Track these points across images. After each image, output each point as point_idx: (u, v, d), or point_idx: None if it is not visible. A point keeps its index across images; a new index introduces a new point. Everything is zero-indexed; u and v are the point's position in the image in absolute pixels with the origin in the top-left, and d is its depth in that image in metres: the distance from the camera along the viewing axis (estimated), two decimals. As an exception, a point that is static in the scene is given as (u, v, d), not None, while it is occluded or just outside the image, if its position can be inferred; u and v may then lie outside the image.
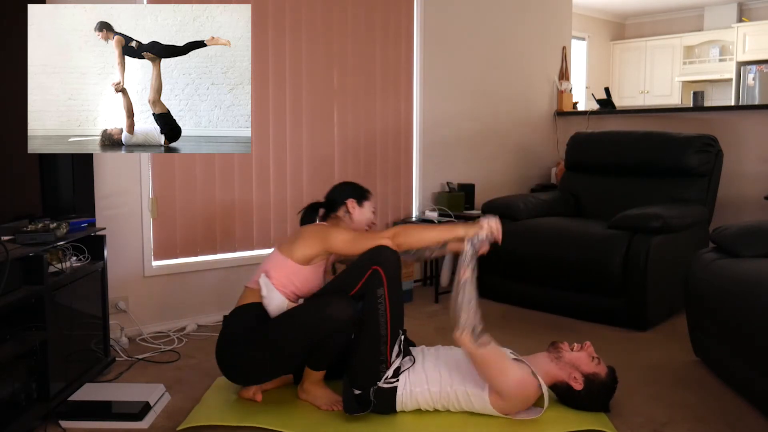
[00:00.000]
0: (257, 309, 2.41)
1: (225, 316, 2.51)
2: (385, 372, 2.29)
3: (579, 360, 2.34)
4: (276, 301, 2.40)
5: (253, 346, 2.32)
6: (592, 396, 2.33)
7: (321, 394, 2.46)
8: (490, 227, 2.36)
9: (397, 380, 2.30)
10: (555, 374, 2.33)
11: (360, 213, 2.68)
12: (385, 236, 2.40)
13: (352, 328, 2.33)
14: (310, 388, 2.47)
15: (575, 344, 2.39)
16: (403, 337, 2.37)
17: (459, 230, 2.41)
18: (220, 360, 2.41)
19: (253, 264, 3.78)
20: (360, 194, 2.71)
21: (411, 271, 4.24)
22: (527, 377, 2.25)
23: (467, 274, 2.26)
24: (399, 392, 2.30)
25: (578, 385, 2.31)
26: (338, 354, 2.43)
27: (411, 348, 2.45)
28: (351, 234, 2.45)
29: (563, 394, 2.37)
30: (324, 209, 2.71)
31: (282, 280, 2.43)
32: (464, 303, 2.22)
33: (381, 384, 2.29)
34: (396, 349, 2.32)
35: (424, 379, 2.31)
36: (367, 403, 2.29)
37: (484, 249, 2.38)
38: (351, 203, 2.66)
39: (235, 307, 2.47)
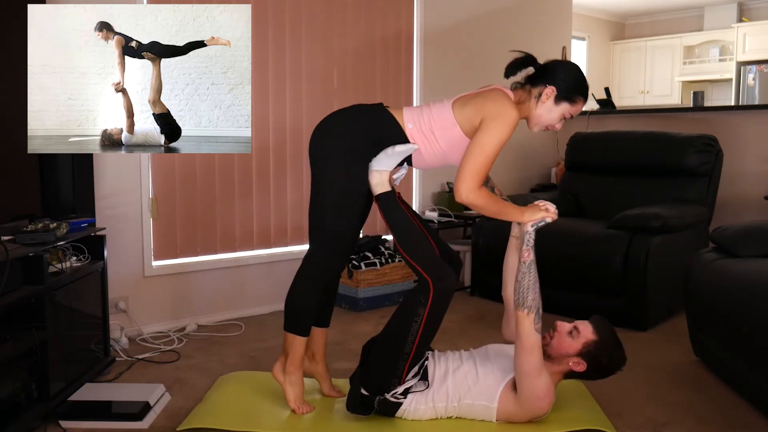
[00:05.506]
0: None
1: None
2: (396, 387, 2.25)
3: (561, 347, 2.25)
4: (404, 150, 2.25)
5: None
6: (601, 362, 2.24)
7: (296, 387, 2.38)
8: (552, 214, 2.28)
9: (405, 398, 2.26)
10: (559, 370, 2.31)
11: (546, 109, 2.24)
12: (473, 187, 2.16)
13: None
14: (292, 372, 2.38)
15: (546, 334, 2.31)
16: (427, 361, 2.32)
17: (522, 217, 2.28)
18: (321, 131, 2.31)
19: (253, 264, 3.80)
20: (569, 92, 2.22)
21: (410, 271, 4.23)
22: (552, 389, 2.21)
23: (531, 256, 2.22)
24: (402, 408, 2.27)
25: (581, 367, 2.24)
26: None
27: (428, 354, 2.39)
28: (490, 146, 2.15)
29: (580, 378, 2.32)
30: (533, 73, 2.27)
31: (432, 127, 2.25)
32: (532, 284, 2.19)
33: (388, 396, 2.26)
34: (415, 369, 2.28)
35: (431, 398, 2.28)
36: (369, 408, 2.28)
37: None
38: (550, 92, 2.22)
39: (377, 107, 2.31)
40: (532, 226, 2.26)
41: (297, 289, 2.36)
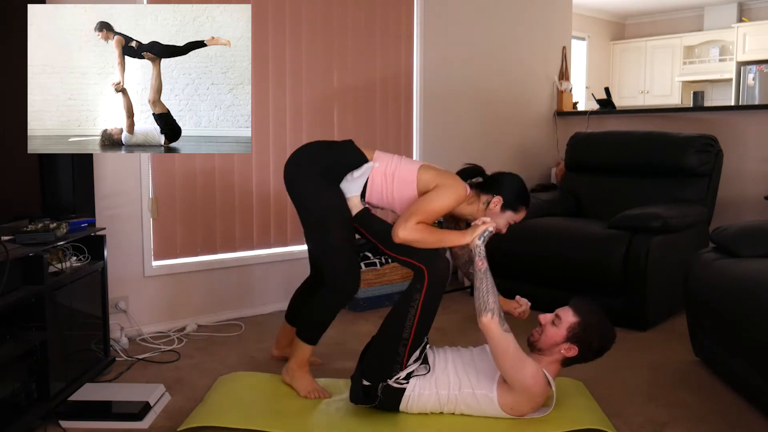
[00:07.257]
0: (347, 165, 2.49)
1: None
2: (398, 372, 2.29)
3: (549, 338, 2.28)
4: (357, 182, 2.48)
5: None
6: (590, 341, 2.26)
7: (303, 381, 2.56)
8: (490, 224, 2.40)
9: (408, 383, 2.30)
10: (553, 360, 2.31)
11: (495, 215, 2.46)
12: (408, 227, 2.32)
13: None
14: (295, 370, 2.57)
15: (534, 331, 2.35)
16: (427, 346, 2.37)
17: (465, 239, 2.39)
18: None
19: (253, 264, 3.79)
20: (514, 202, 2.48)
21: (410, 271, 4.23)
22: (540, 373, 2.23)
23: (485, 264, 2.31)
24: (406, 394, 2.30)
25: (573, 351, 2.26)
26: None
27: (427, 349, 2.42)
28: (435, 204, 2.37)
29: (577, 362, 2.33)
30: (481, 182, 2.54)
31: (395, 174, 2.46)
32: (491, 287, 2.25)
33: (391, 382, 2.29)
34: (416, 354, 2.32)
35: (434, 383, 2.30)
36: (373, 398, 2.30)
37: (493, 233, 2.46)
38: (497, 201, 2.46)
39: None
40: (479, 239, 2.36)
41: (321, 306, 2.53)
